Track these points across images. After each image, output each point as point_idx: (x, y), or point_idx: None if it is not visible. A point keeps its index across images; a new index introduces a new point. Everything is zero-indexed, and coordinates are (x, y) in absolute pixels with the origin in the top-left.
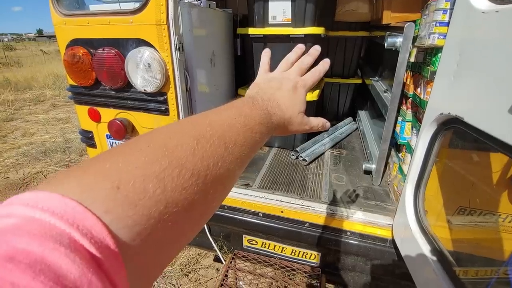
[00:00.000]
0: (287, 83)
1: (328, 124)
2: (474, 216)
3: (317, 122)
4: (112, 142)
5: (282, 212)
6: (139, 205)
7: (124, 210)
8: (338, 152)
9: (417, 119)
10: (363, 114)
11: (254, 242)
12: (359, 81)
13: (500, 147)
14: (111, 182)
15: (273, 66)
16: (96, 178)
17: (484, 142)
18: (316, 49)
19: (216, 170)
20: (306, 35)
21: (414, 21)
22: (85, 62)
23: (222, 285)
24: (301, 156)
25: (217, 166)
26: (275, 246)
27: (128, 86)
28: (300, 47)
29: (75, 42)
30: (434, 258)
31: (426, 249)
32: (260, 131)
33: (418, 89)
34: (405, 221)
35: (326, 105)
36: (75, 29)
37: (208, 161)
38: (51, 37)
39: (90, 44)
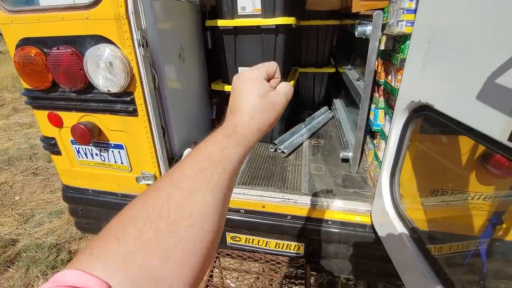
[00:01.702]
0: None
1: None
2: (446, 196)
3: (284, 89)
4: (78, 148)
5: (263, 207)
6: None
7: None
8: (316, 142)
9: (390, 106)
10: (338, 103)
11: (237, 239)
12: (332, 70)
13: (470, 133)
14: (88, 251)
15: (244, 58)
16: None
17: (454, 128)
18: None
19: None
20: (277, 25)
21: (382, 9)
22: (38, 63)
23: (207, 286)
24: (280, 149)
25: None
26: (259, 241)
27: (90, 87)
28: None
29: (25, 42)
30: (410, 239)
31: (402, 232)
32: (224, 167)
33: (389, 77)
34: (382, 207)
35: (301, 94)
36: (25, 27)
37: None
38: None
39: (43, 43)
